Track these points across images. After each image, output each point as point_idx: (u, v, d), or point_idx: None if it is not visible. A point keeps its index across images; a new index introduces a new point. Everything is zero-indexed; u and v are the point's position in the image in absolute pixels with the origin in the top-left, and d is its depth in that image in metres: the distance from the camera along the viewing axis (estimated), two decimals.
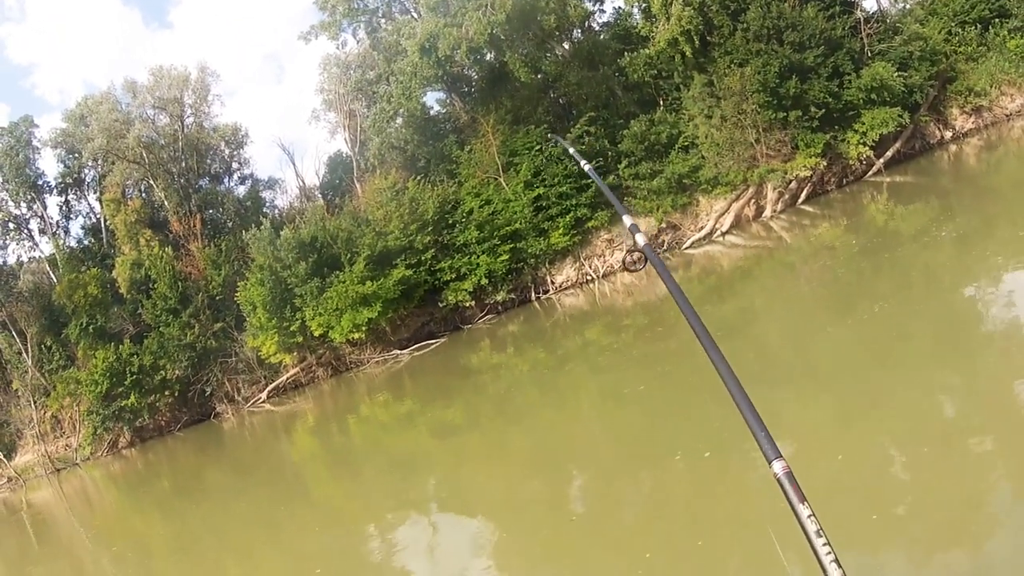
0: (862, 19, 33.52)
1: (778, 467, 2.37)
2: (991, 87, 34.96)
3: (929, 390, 10.74)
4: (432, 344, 31.42)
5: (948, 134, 34.54)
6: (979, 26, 38.34)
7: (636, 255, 3.59)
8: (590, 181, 30.68)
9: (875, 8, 38.50)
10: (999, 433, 8.56)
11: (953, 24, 39.07)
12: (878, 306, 15.85)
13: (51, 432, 42.16)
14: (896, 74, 30.50)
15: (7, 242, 46.11)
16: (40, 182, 44.15)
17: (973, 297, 15.06)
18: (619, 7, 35.53)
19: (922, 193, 28.93)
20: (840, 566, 2.13)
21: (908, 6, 42.09)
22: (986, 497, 7.59)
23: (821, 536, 2.20)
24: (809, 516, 2.23)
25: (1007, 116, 35.27)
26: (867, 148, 31.25)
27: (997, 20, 38.35)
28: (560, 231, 30.70)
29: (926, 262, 19.61)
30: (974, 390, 10.29)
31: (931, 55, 33.11)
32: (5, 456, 41.43)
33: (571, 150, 6.41)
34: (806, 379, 13.17)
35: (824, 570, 2.15)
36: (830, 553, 2.16)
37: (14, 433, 43.58)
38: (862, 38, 32.67)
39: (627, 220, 3.74)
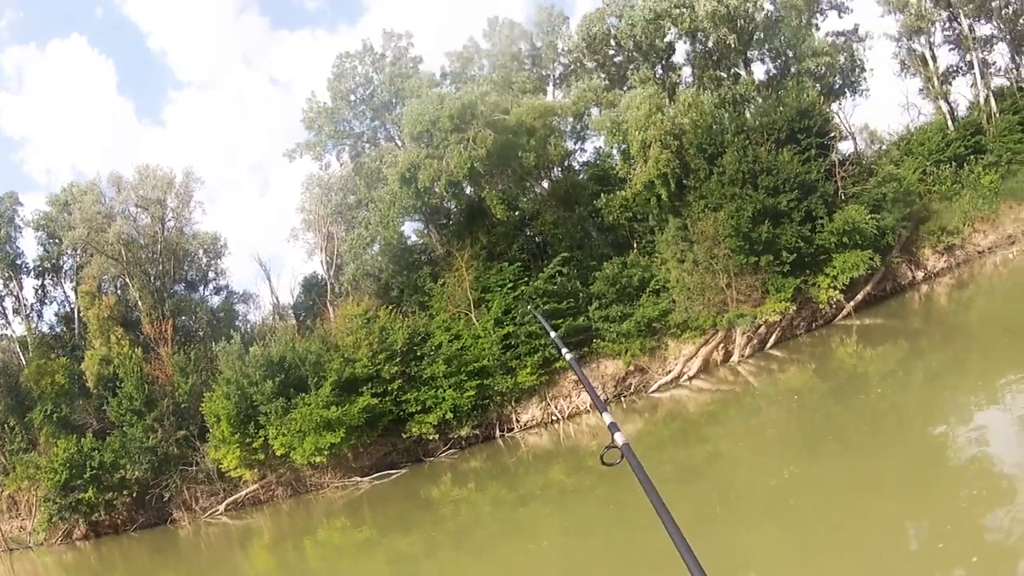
0: (837, 162, 33.99)
1: None
2: (964, 225, 35.50)
3: (891, 529, 10.78)
4: (393, 474, 31.21)
5: (920, 274, 34.91)
6: (954, 164, 39.22)
7: (613, 450, 3.58)
8: (560, 321, 30.92)
9: (851, 150, 39.45)
10: (965, 560, 8.58)
11: (928, 163, 39.99)
12: (842, 448, 15.94)
13: (7, 511, 41.35)
14: (869, 217, 30.85)
15: None
16: (19, 262, 44.04)
17: (939, 436, 15.23)
18: (599, 147, 36.30)
19: (892, 335, 29.20)
20: None
21: (884, 147, 43.17)
22: None
23: None
24: None
25: (979, 253, 35.80)
26: (837, 292, 31.48)
27: (972, 157, 39.25)
28: (528, 370, 30.78)
29: (893, 403, 19.84)
30: (938, 527, 10.30)
31: (905, 196, 33.67)
32: None
33: (552, 335, 6.25)
34: (768, 520, 13.15)
35: None
36: None
37: None
38: (836, 181, 33.14)
39: (607, 418, 3.67)
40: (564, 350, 5.58)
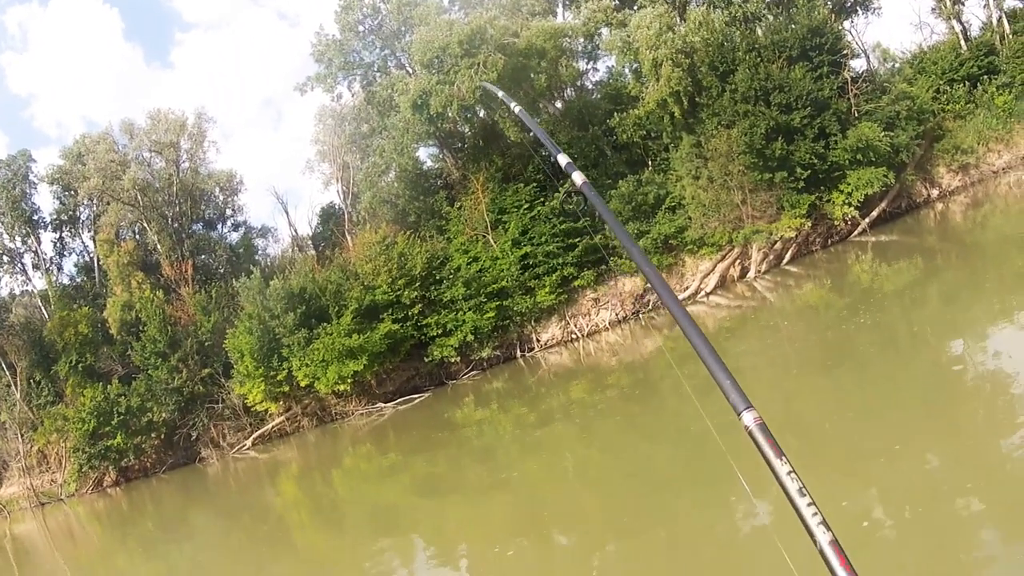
0: (850, 79, 33.61)
1: (748, 418, 2.17)
2: (978, 144, 35.27)
3: (912, 447, 10.81)
4: (416, 398, 31.55)
5: (935, 192, 34.76)
6: (967, 84, 38.86)
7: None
8: (577, 240, 31.00)
9: (863, 68, 39.02)
10: (982, 492, 8.71)
11: (942, 82, 39.64)
12: (857, 364, 16.00)
13: (37, 466, 42.02)
14: (883, 134, 30.68)
15: (0, 275, 46.28)
16: (35, 217, 44.39)
17: (955, 354, 15.27)
18: (611, 66, 36.06)
19: (907, 252, 29.11)
20: (829, 528, 1.97)
21: (897, 65, 42.67)
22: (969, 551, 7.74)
23: (805, 495, 2.02)
24: (789, 473, 2.05)
25: (994, 172, 35.58)
26: (852, 208, 31.39)
27: (986, 77, 38.88)
28: (546, 289, 30.93)
29: (909, 320, 19.86)
30: (957, 447, 10.40)
31: (918, 114, 33.34)
32: None
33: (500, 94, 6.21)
34: (783, 435, 13.32)
35: (811, 533, 1.99)
36: (816, 514, 2.00)
37: (0, 465, 43.53)
38: (849, 98, 32.82)
39: (562, 160, 3.76)
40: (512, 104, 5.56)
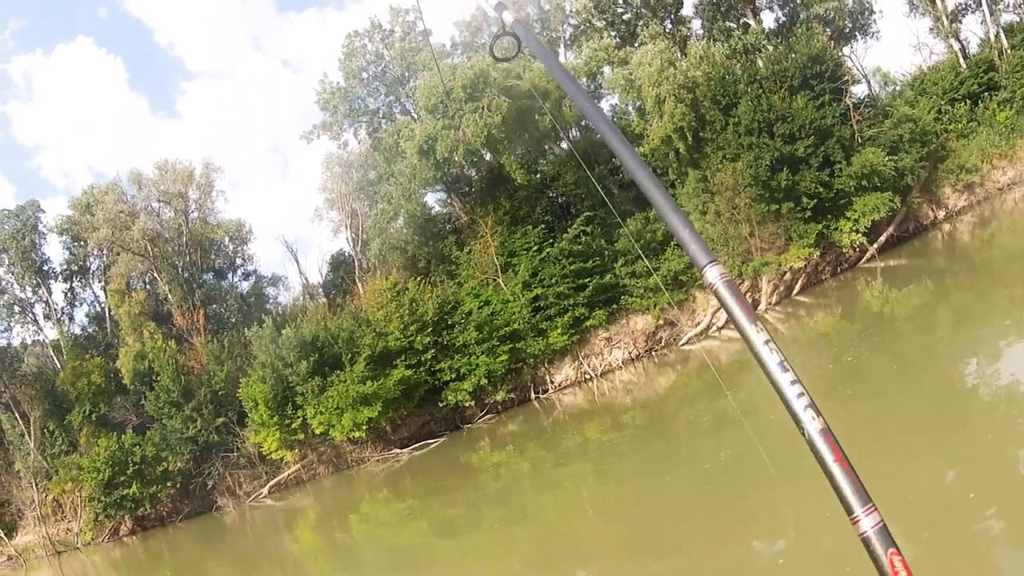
0: (851, 105, 33.73)
1: (713, 274, 2.04)
2: (982, 162, 35.26)
3: (930, 469, 10.80)
4: (432, 443, 31.54)
5: (941, 213, 34.75)
6: (968, 102, 38.93)
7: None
8: (587, 280, 31.05)
9: (865, 93, 39.20)
10: (1003, 513, 8.67)
11: (943, 102, 39.73)
12: (871, 389, 15.97)
13: (52, 515, 42.05)
14: (887, 158, 30.65)
15: (12, 324, 46.53)
16: (45, 267, 44.72)
17: (968, 375, 15.23)
18: (615, 105, 36.23)
19: (916, 275, 29.12)
20: (819, 414, 1.87)
21: (898, 88, 42.86)
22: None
23: (788, 371, 1.91)
24: (767, 343, 1.92)
25: (999, 189, 35.55)
26: (860, 235, 31.38)
27: (987, 94, 38.97)
28: (558, 331, 30.94)
29: (920, 343, 19.84)
30: (968, 467, 10.34)
31: (921, 136, 33.41)
32: (6, 535, 41.40)
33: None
34: (801, 463, 13.25)
35: (796, 419, 1.88)
36: (803, 395, 1.89)
37: (15, 513, 43.60)
38: (852, 124, 32.88)
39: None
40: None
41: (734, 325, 1.94)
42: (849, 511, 1.92)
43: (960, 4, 44.68)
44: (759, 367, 1.94)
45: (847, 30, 39.52)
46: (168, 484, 35.61)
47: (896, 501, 9.98)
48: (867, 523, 1.92)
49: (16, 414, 42.36)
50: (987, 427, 11.53)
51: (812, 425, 1.86)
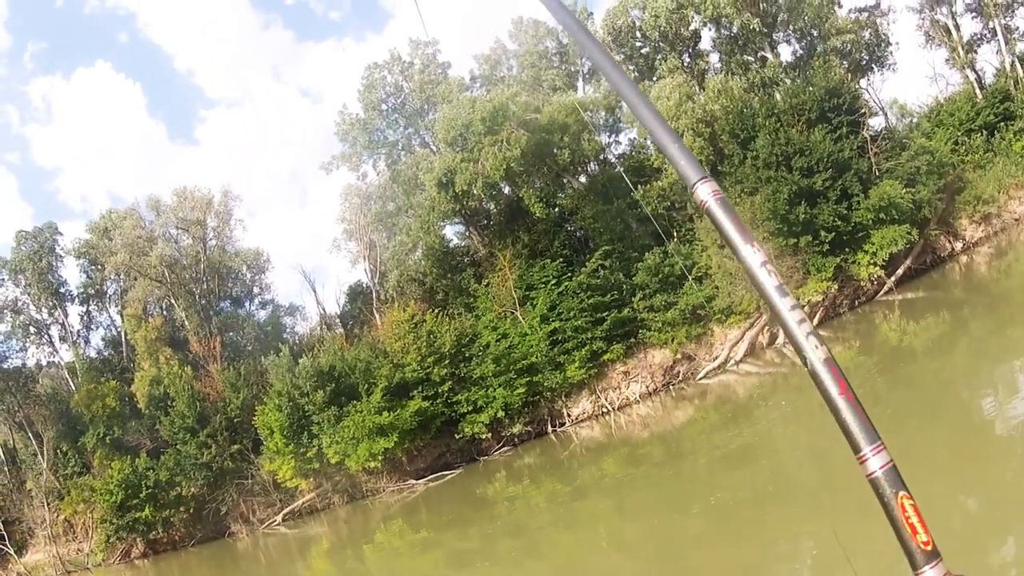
0: (869, 138, 33.83)
1: (705, 191, 1.97)
2: (999, 193, 35.28)
3: (949, 500, 10.71)
4: (448, 475, 31.49)
5: (958, 245, 34.73)
6: (985, 133, 39.00)
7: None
8: (605, 314, 31.06)
9: (882, 125, 39.27)
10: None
11: (959, 133, 39.83)
12: (891, 424, 15.91)
13: (63, 535, 42.06)
14: (904, 191, 30.70)
15: (27, 345, 46.73)
16: (62, 290, 44.96)
17: (987, 407, 15.17)
18: (633, 139, 36.40)
19: (934, 307, 29.11)
20: (823, 343, 1.77)
21: (915, 120, 42.94)
22: None
23: (787, 295, 1.82)
24: (763, 264, 1.82)
25: (1016, 220, 35.54)
26: (878, 268, 31.39)
27: (1003, 124, 39.03)
28: (576, 364, 30.94)
29: (938, 376, 19.86)
30: (994, 497, 10.28)
31: (938, 168, 33.46)
32: (16, 553, 41.42)
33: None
34: (821, 496, 13.22)
35: (798, 347, 1.79)
36: (804, 321, 1.78)
37: (25, 531, 43.64)
38: (869, 157, 32.95)
39: None
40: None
41: (728, 246, 1.87)
42: (856, 449, 1.86)
43: (975, 34, 44.89)
44: (756, 291, 1.84)
45: (864, 62, 39.70)
46: (181, 509, 35.58)
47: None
48: (875, 463, 1.85)
49: (29, 434, 42.50)
50: (1008, 461, 11.52)
51: (815, 354, 1.78)
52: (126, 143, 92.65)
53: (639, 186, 33.20)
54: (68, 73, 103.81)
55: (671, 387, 31.61)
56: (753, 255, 1.80)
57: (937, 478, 11.75)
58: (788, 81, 35.87)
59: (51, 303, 44.93)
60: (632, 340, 31.55)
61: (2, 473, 43.37)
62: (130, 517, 35.01)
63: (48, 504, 41.04)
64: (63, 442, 41.47)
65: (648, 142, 34.77)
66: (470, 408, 31.22)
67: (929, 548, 1.74)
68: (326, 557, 29.13)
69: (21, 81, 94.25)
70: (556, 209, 33.91)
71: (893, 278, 32.30)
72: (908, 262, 33.07)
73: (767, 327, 32.25)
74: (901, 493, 1.82)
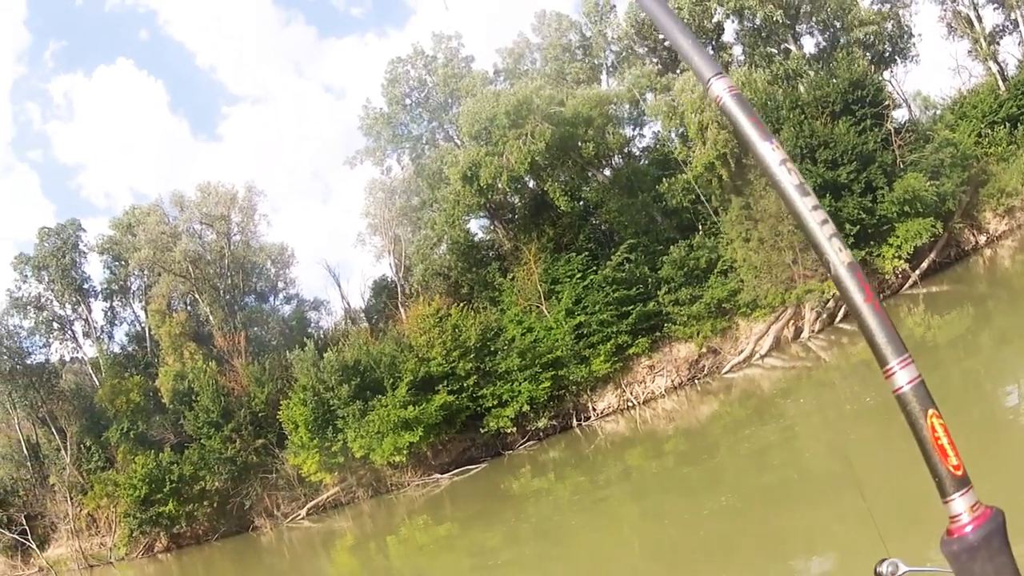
0: (893, 130, 33.65)
1: (720, 87, 1.83)
2: (1022, 185, 34.96)
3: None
4: (473, 469, 31.55)
5: (982, 239, 34.47)
6: (1008, 124, 38.69)
7: None
8: (631, 308, 31.01)
9: (906, 118, 39.04)
10: None
11: (983, 125, 39.49)
12: None
13: (86, 529, 42.36)
14: (928, 184, 30.47)
15: (51, 340, 46.96)
16: (86, 286, 45.16)
17: (1011, 401, 15.09)
18: (657, 132, 36.30)
19: (959, 301, 28.99)
20: (845, 246, 1.69)
21: (938, 112, 42.64)
22: None
23: (808, 195, 1.71)
24: (783, 163, 1.73)
25: None
26: (902, 261, 31.18)
27: None
28: (601, 358, 30.91)
29: (963, 369, 19.78)
30: (1013, 493, 10.22)
31: (962, 160, 33.19)
32: (38, 547, 41.75)
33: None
34: (845, 493, 13.20)
35: (820, 251, 1.71)
36: (826, 223, 1.71)
37: (48, 526, 43.97)
38: (894, 149, 32.76)
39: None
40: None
41: (745, 144, 1.78)
42: (883, 362, 1.72)
43: (997, 26, 44.49)
44: (775, 190, 1.74)
45: (887, 54, 39.43)
46: (205, 503, 35.74)
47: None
48: (903, 377, 1.72)
49: (53, 429, 42.79)
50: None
51: (838, 258, 1.67)
52: (149, 140, 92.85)
53: (664, 179, 33.10)
54: (89, 71, 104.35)
55: (696, 381, 31.56)
56: (772, 153, 1.71)
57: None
58: (812, 73, 35.72)
59: (75, 299, 45.12)
60: (657, 334, 31.50)
61: (25, 468, 43.57)
62: (153, 511, 35.23)
63: (71, 499, 41.33)
64: (86, 437, 41.69)
65: (672, 135, 34.70)
66: (495, 402, 31.27)
67: (960, 473, 1.67)
68: (350, 551, 29.28)
69: (42, 79, 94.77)
70: (581, 202, 33.90)
71: (917, 272, 32.09)
72: (932, 255, 32.82)
73: (792, 320, 32.17)
74: (931, 411, 1.69)
